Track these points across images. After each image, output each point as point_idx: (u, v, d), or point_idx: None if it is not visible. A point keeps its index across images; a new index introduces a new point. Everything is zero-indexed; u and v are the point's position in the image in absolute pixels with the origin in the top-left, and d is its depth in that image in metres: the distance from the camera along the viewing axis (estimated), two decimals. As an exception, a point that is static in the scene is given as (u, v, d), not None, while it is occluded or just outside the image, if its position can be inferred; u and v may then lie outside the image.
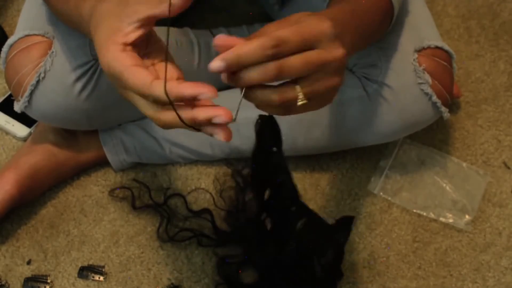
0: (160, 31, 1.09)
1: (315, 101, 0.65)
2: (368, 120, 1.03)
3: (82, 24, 0.75)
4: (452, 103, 1.20)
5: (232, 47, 0.61)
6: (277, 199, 0.82)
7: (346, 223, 1.01)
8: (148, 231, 1.08)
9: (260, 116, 0.69)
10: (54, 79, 0.99)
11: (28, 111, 1.02)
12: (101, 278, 1.03)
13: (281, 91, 0.63)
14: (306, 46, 0.62)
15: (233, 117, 0.62)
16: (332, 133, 1.06)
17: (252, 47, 0.61)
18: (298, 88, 0.63)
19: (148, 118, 0.95)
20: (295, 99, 0.63)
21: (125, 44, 0.66)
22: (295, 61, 0.62)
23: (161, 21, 1.17)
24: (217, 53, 1.18)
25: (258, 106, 0.65)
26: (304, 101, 0.64)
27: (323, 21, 0.63)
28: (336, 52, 0.64)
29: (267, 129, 0.70)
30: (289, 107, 0.64)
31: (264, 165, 0.77)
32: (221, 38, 0.62)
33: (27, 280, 1.02)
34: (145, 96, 0.63)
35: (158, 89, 0.62)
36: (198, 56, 1.09)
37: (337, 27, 0.65)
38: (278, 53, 0.61)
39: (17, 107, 1.02)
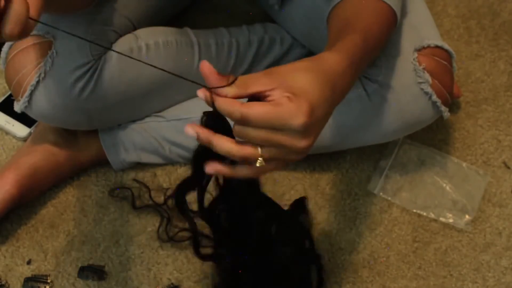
0: (159, 31, 1.10)
1: (273, 164, 0.68)
2: (368, 120, 1.03)
3: None
4: (452, 103, 1.19)
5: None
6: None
7: (299, 206, 1.00)
8: (148, 231, 1.08)
9: (205, 113, 0.69)
10: (54, 80, 0.99)
11: (28, 111, 1.02)
12: (101, 278, 1.03)
13: (242, 147, 0.66)
14: (272, 128, 0.64)
15: None
16: (332, 133, 1.06)
17: (223, 109, 0.65)
18: (259, 150, 0.66)
19: (148, 118, 0.93)
20: (255, 159, 0.66)
21: None
22: (257, 135, 0.65)
23: (159, 21, 1.17)
24: (217, 53, 1.18)
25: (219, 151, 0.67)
26: (262, 163, 0.66)
27: (299, 113, 0.64)
28: (299, 144, 0.66)
29: (214, 126, 0.70)
30: (249, 163, 0.68)
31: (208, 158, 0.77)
32: (205, 65, 0.66)
33: (27, 280, 1.02)
34: None
35: None
36: (198, 56, 1.09)
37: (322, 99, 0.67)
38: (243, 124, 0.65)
39: (17, 107, 1.02)
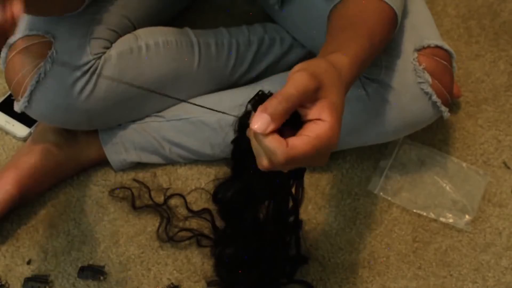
0: (159, 31, 1.10)
1: None
2: (368, 119, 1.02)
3: None
4: (452, 103, 1.19)
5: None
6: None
7: (297, 175, 1.00)
8: (148, 231, 1.08)
9: (259, 93, 0.69)
10: (54, 80, 0.99)
11: (28, 111, 1.02)
12: (101, 278, 1.03)
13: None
14: (310, 158, 0.66)
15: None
16: (332, 133, 1.06)
17: (272, 150, 0.64)
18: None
19: (148, 118, 0.92)
20: None
21: None
22: (289, 167, 0.67)
23: (159, 21, 1.17)
24: (217, 54, 1.18)
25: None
26: None
27: (335, 138, 0.66)
28: (323, 162, 0.69)
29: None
30: None
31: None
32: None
33: (27, 280, 1.02)
34: None
35: None
36: (198, 56, 1.09)
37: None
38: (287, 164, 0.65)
39: (17, 107, 1.02)
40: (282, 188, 0.90)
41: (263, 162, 0.66)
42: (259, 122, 0.64)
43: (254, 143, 0.67)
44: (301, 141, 0.64)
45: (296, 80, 0.65)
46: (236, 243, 0.99)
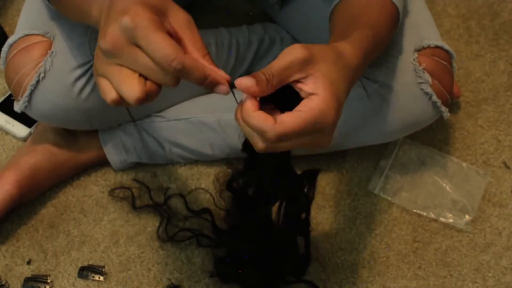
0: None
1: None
2: (368, 120, 1.02)
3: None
4: (452, 103, 1.19)
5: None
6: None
7: (311, 176, 0.99)
8: (148, 231, 1.08)
9: None
10: (54, 79, 0.98)
11: (28, 111, 1.02)
12: (101, 278, 1.03)
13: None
14: (304, 134, 0.65)
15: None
16: (332, 133, 1.06)
17: (254, 125, 0.64)
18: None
19: (148, 118, 0.91)
20: None
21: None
22: (286, 145, 0.66)
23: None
24: (217, 54, 1.17)
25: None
26: None
27: (332, 111, 0.65)
28: (326, 141, 0.67)
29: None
30: None
31: None
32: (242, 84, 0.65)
33: (27, 280, 1.02)
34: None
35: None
36: (198, 56, 1.09)
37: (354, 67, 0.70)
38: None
39: (17, 107, 1.02)
40: (295, 187, 0.90)
41: (257, 144, 0.66)
42: (244, 81, 0.64)
43: (242, 126, 0.66)
44: (291, 116, 0.64)
45: (285, 51, 0.65)
46: (238, 241, 0.99)
